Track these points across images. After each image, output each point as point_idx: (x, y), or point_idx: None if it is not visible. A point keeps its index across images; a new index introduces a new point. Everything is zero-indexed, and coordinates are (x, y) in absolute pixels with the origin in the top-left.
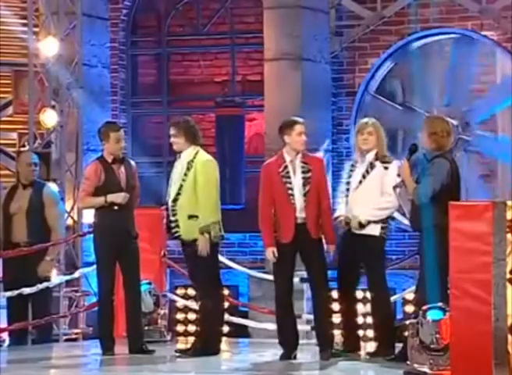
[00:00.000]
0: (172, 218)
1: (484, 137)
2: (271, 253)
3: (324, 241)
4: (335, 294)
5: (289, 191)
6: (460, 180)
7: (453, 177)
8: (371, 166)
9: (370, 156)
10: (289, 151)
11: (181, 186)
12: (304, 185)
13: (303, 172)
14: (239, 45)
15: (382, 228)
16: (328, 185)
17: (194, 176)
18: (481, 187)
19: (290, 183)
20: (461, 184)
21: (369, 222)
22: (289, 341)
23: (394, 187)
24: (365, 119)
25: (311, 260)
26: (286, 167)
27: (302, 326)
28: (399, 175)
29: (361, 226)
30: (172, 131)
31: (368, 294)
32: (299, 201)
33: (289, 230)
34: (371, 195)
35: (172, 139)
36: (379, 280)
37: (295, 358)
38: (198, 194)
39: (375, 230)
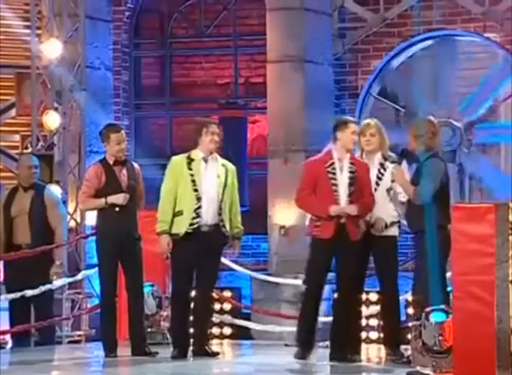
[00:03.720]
0: (219, 216)
1: (485, 127)
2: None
3: None
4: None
5: (334, 187)
6: (449, 181)
7: (447, 177)
8: (383, 167)
9: (378, 157)
10: (339, 148)
11: (224, 188)
12: (350, 185)
13: (350, 171)
14: (242, 47)
15: (399, 228)
16: (372, 189)
17: (231, 181)
18: (496, 175)
19: (336, 179)
20: (472, 184)
21: (392, 222)
22: (308, 340)
23: (387, 190)
24: (367, 120)
25: (346, 262)
26: (332, 163)
27: None
28: (393, 180)
29: (386, 226)
30: (218, 130)
31: (371, 296)
32: (343, 199)
33: (330, 225)
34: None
35: (217, 138)
36: (394, 281)
37: (309, 358)
38: (234, 199)
39: (395, 230)
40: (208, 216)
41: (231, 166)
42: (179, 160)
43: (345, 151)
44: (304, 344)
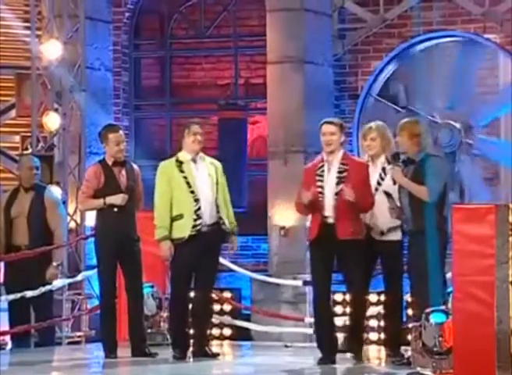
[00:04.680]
0: (217, 214)
1: (486, 141)
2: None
3: None
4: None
5: (319, 189)
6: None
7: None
8: (384, 171)
9: (381, 161)
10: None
11: (216, 185)
12: (338, 184)
13: (339, 172)
14: (242, 48)
15: (403, 232)
16: (370, 188)
17: (221, 178)
18: (484, 190)
19: (322, 181)
20: (464, 187)
21: (390, 228)
22: (326, 344)
23: (387, 195)
24: (370, 124)
25: (345, 262)
26: (322, 166)
27: (305, 330)
28: (394, 183)
29: (382, 234)
30: (200, 130)
31: (372, 297)
32: (328, 199)
33: (314, 227)
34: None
35: (200, 138)
36: (399, 283)
37: (334, 362)
38: (225, 196)
39: (396, 235)
40: (207, 216)
41: (218, 164)
42: (168, 164)
43: (330, 152)
44: (326, 348)
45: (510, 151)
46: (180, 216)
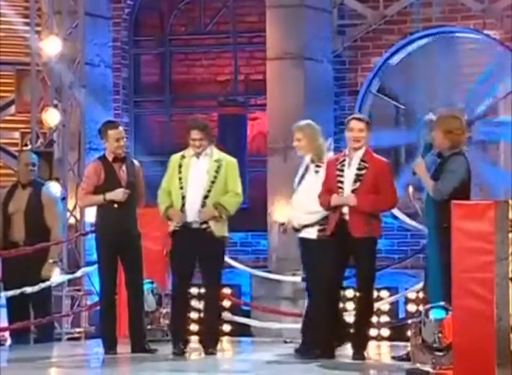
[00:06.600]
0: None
1: (485, 124)
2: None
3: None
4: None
5: (339, 185)
6: (471, 178)
7: (469, 175)
8: (307, 168)
9: (306, 159)
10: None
11: (212, 183)
12: (355, 182)
13: (358, 169)
14: (241, 44)
15: (320, 231)
16: (391, 187)
17: (225, 175)
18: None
19: (342, 176)
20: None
21: (304, 226)
22: (328, 340)
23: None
24: (298, 123)
25: (358, 260)
26: (343, 160)
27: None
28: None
29: (296, 230)
30: (197, 135)
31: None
32: (347, 194)
33: (332, 222)
34: (304, 199)
35: (198, 143)
36: (321, 282)
37: (333, 357)
38: (231, 190)
39: (311, 233)
40: (193, 214)
41: (228, 160)
42: (174, 158)
43: (353, 148)
44: (325, 345)
45: (508, 127)
46: None
